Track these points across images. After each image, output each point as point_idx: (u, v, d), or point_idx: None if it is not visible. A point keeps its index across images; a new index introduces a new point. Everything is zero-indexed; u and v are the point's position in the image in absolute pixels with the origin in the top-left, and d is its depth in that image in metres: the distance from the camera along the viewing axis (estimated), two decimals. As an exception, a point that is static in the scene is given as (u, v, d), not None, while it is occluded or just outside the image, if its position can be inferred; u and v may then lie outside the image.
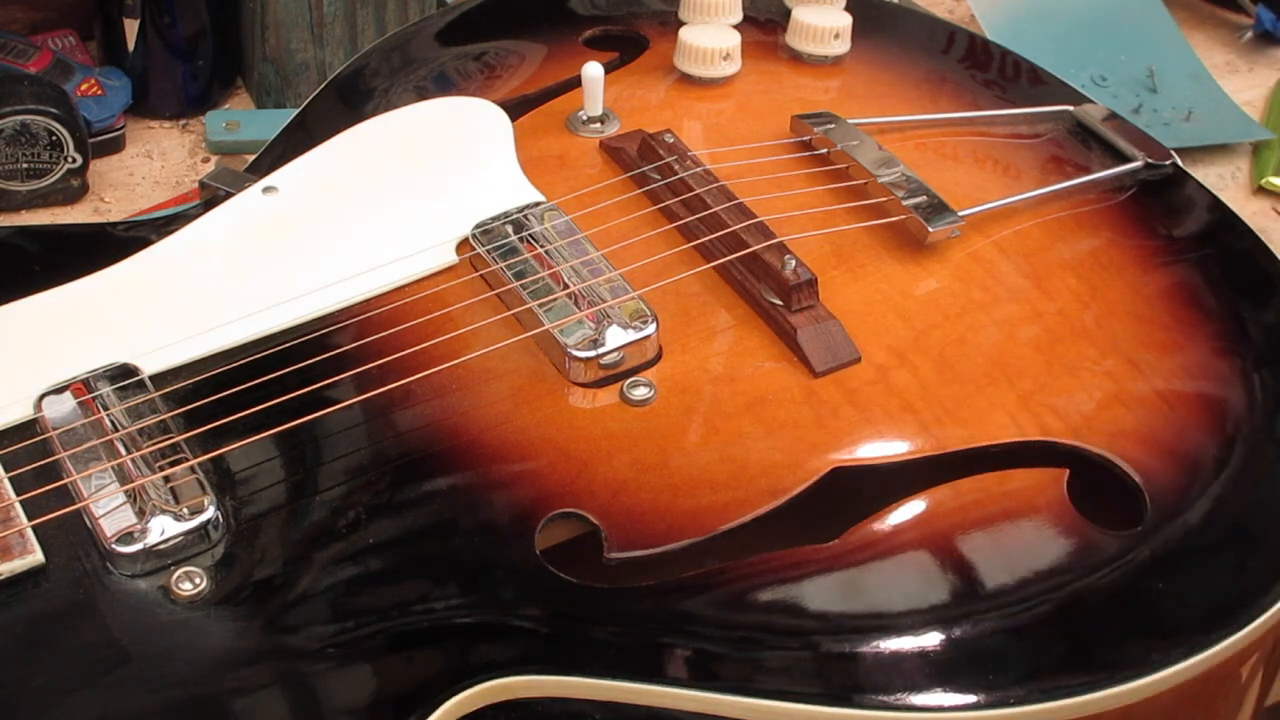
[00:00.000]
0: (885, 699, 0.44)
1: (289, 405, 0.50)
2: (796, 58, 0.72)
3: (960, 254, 0.60)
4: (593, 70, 0.65)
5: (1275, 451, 0.53)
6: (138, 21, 0.79)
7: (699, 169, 0.61)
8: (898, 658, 0.46)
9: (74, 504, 0.47)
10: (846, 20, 0.72)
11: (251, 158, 0.65)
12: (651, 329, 0.54)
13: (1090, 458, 0.52)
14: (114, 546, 0.46)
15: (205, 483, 0.48)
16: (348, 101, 0.67)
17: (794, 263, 0.56)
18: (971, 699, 0.45)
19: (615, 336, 0.53)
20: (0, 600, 0.45)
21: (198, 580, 0.46)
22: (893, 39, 0.74)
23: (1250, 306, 0.59)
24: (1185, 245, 0.63)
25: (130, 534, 0.46)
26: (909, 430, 0.52)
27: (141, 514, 0.46)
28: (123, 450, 0.48)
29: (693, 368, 0.54)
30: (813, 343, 0.54)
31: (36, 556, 0.46)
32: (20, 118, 0.72)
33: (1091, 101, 0.71)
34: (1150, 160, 0.66)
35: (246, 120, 0.80)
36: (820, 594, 0.47)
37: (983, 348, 0.56)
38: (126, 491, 0.47)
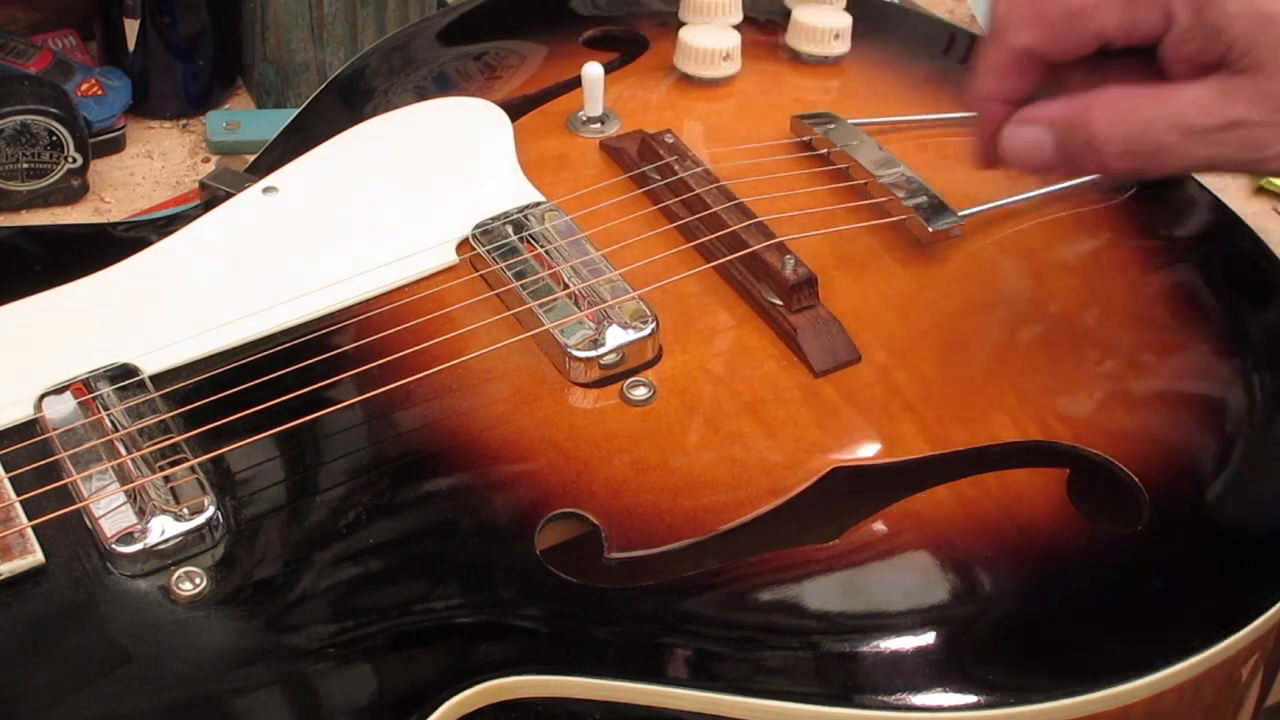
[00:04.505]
0: (885, 699, 0.44)
1: (289, 405, 0.50)
2: (796, 58, 0.72)
3: (961, 254, 0.60)
4: (593, 70, 0.65)
5: (1275, 452, 0.53)
6: (138, 21, 0.79)
7: (699, 169, 0.61)
8: (897, 657, 0.46)
9: (74, 504, 0.47)
10: (846, 20, 0.72)
11: (251, 158, 0.65)
12: (651, 329, 0.54)
13: (1090, 458, 0.52)
14: (114, 546, 0.46)
15: (205, 483, 0.48)
16: (348, 102, 0.67)
17: (794, 262, 0.56)
18: (971, 699, 0.44)
19: (615, 336, 0.53)
20: (0, 600, 0.45)
21: (198, 580, 0.46)
22: (893, 39, 0.74)
23: (1250, 307, 0.59)
24: (1185, 246, 0.62)
25: (130, 534, 0.46)
26: (909, 430, 0.52)
27: (142, 514, 0.46)
28: (123, 450, 0.48)
29: (693, 368, 0.54)
30: (813, 343, 0.54)
31: (36, 556, 0.46)
32: (20, 118, 0.72)
33: (1091, 101, 0.70)
34: (1150, 160, 0.66)
35: (246, 120, 0.80)
36: (820, 594, 0.47)
37: (983, 348, 0.56)
38: (127, 491, 0.47)
